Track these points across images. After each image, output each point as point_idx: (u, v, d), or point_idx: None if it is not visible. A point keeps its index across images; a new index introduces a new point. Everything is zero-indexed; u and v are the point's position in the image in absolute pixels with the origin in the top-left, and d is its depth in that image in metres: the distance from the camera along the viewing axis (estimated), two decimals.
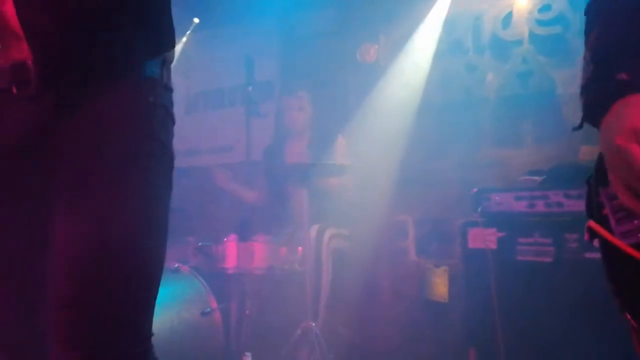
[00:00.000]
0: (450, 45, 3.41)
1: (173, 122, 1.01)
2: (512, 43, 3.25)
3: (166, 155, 0.97)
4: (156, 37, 0.99)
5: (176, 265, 2.44)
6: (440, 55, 3.41)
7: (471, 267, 2.62)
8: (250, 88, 3.02)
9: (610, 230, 0.78)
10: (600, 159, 0.82)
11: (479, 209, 2.62)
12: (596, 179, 0.84)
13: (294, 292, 2.55)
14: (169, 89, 1.01)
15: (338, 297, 2.91)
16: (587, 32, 0.89)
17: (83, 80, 0.90)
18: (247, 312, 2.49)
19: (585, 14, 0.92)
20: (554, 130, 3.15)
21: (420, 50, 3.43)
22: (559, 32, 3.12)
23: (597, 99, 0.79)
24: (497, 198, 2.62)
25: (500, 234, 2.53)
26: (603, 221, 0.80)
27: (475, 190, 2.71)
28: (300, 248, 2.60)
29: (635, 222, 0.73)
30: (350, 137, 3.26)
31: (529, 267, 2.39)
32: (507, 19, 3.26)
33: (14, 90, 0.87)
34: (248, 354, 2.27)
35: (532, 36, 3.19)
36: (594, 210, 0.83)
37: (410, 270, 3.44)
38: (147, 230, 0.90)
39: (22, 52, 0.88)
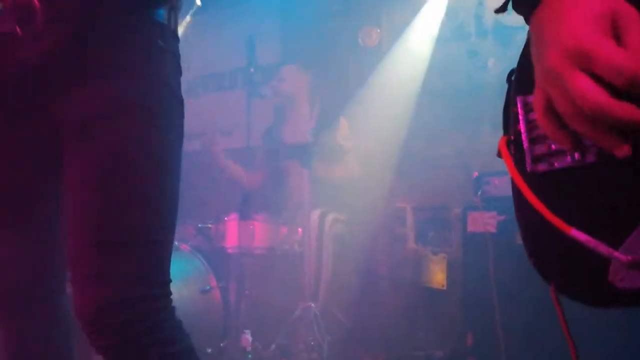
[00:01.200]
0: (452, 30, 3.40)
1: (180, 72, 1.00)
2: (514, 29, 3.24)
3: (175, 100, 0.96)
4: None
5: (176, 244, 2.42)
6: (442, 40, 3.41)
7: (470, 251, 2.62)
8: (252, 69, 3.00)
9: (522, 150, 0.65)
10: (525, 58, 0.68)
11: (479, 193, 2.62)
12: (517, 83, 0.70)
13: (294, 272, 2.55)
14: (176, 37, 1.00)
15: (337, 281, 2.91)
16: None
17: (89, 21, 0.89)
18: (247, 291, 2.49)
19: None
20: None
21: (422, 35, 3.42)
22: None
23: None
24: (497, 182, 2.63)
25: (500, 218, 2.54)
26: (517, 137, 0.67)
27: (476, 174, 2.71)
28: (300, 229, 2.60)
29: (552, 146, 0.60)
30: (351, 120, 3.25)
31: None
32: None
33: (19, 31, 0.86)
34: (247, 331, 2.27)
35: None
36: (509, 122, 0.70)
37: (409, 257, 3.45)
38: (159, 172, 0.90)
39: None
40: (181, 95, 0.99)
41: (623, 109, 0.48)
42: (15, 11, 0.87)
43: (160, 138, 0.92)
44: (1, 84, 0.93)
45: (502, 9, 0.77)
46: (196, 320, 2.26)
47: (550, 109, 0.55)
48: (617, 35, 0.50)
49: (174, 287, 2.20)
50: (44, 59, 0.89)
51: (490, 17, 3.31)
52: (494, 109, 3.25)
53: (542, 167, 0.62)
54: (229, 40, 4.01)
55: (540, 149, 0.62)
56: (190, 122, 1.03)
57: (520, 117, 0.65)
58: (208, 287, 2.36)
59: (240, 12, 4.06)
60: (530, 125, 0.64)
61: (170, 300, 0.95)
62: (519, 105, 0.66)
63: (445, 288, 3.09)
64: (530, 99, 0.61)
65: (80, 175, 0.87)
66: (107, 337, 0.86)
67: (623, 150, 0.50)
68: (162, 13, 0.96)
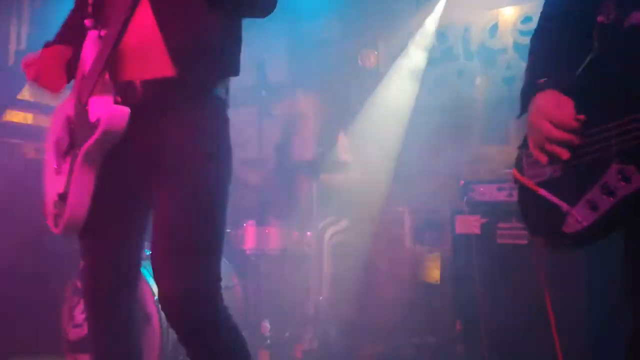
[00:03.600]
0: (442, 52, 3.77)
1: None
2: (498, 51, 3.61)
3: (229, 152, 1.35)
4: (227, 69, 1.38)
5: None
6: (434, 61, 3.78)
7: (459, 250, 2.99)
8: (263, 92, 3.37)
9: (523, 174, 1.23)
10: (525, 137, 1.23)
11: (465, 199, 2.98)
12: (521, 147, 1.26)
13: (304, 270, 2.93)
14: (227, 104, 1.40)
15: (341, 280, 3.28)
16: (528, 54, 1.32)
17: (176, 98, 1.28)
18: (263, 287, 2.87)
19: (530, 41, 1.35)
20: None
21: (416, 57, 3.79)
22: None
23: (526, 95, 1.20)
24: (481, 189, 2.99)
25: (484, 220, 2.90)
26: (521, 170, 1.24)
27: (462, 182, 3.08)
28: (309, 233, 2.98)
29: (540, 168, 1.18)
30: (352, 135, 3.63)
31: (507, 249, 2.75)
32: (494, 29, 3.62)
33: (120, 100, 1.25)
34: (266, 320, 2.65)
35: (516, 45, 3.55)
36: (518, 163, 1.26)
37: (406, 256, 3.81)
38: (218, 203, 1.29)
39: (131, 74, 1.27)
40: (230, 146, 1.38)
41: (562, 135, 1.10)
42: (119, 85, 1.27)
43: (222, 180, 1.31)
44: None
45: (519, 116, 1.27)
46: None
47: (535, 142, 1.16)
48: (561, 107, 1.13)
49: None
50: (138, 124, 1.26)
51: (476, 41, 3.68)
52: (480, 122, 3.71)
53: (534, 180, 1.20)
54: (242, 61, 4.39)
55: (533, 171, 1.20)
56: None
57: (523, 157, 1.25)
58: (231, 284, 2.73)
59: (252, 36, 4.41)
60: (528, 161, 1.23)
61: (221, 292, 1.32)
62: (523, 153, 1.26)
63: (439, 283, 3.46)
64: (528, 150, 1.22)
65: (168, 204, 1.26)
66: (187, 322, 1.24)
67: (565, 154, 1.11)
68: (224, 92, 1.37)
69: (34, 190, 4.54)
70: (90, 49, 1.28)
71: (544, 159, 1.15)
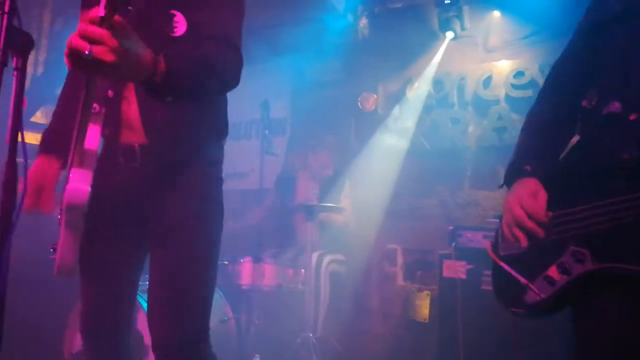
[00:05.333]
0: (438, 100, 3.96)
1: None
2: (490, 102, 3.79)
3: (221, 211, 1.50)
4: (220, 133, 1.54)
5: None
6: (429, 107, 3.96)
7: (444, 293, 3.11)
8: (267, 132, 3.53)
9: (497, 248, 1.41)
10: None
11: (453, 244, 3.12)
12: (501, 219, 1.40)
13: (297, 307, 3.06)
14: (221, 162, 1.54)
15: (333, 314, 3.40)
16: (521, 130, 1.47)
17: (175, 162, 1.43)
18: (256, 322, 2.99)
19: (527, 115, 1.49)
20: None
21: (413, 103, 3.98)
22: (530, 95, 3.65)
23: (512, 174, 1.37)
24: (468, 235, 3.13)
25: (470, 266, 3.03)
26: (496, 243, 1.42)
27: (451, 228, 3.22)
28: (302, 270, 3.12)
29: (512, 242, 1.34)
30: (351, 176, 3.79)
31: (490, 295, 2.86)
32: (488, 81, 3.81)
33: (122, 161, 1.40)
34: (257, 355, 2.76)
35: (507, 97, 3.74)
36: (495, 235, 1.44)
37: (397, 293, 3.94)
38: (212, 261, 1.43)
39: (132, 138, 1.41)
40: (222, 204, 1.51)
41: (531, 224, 1.25)
42: (120, 148, 1.41)
43: (213, 240, 1.44)
44: (108, 195, 1.39)
45: (500, 186, 1.43)
46: (216, 347, 2.75)
47: (507, 224, 1.31)
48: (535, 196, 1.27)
49: None
50: (137, 183, 1.40)
51: (470, 90, 3.86)
52: (472, 168, 3.89)
53: (504, 253, 1.39)
54: (246, 95, 4.58)
55: (504, 245, 1.38)
56: None
57: (500, 233, 1.42)
58: (226, 318, 2.86)
59: (257, 73, 4.64)
60: (502, 237, 1.39)
61: (210, 342, 1.44)
62: (499, 230, 1.43)
63: (427, 321, 3.57)
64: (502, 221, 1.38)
65: (164, 259, 1.38)
66: None
67: (524, 243, 1.27)
68: (218, 153, 1.52)
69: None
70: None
71: (510, 237, 1.31)
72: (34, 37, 3.92)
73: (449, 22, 3.63)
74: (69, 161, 1.27)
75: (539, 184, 1.29)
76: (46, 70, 4.60)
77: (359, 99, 4.16)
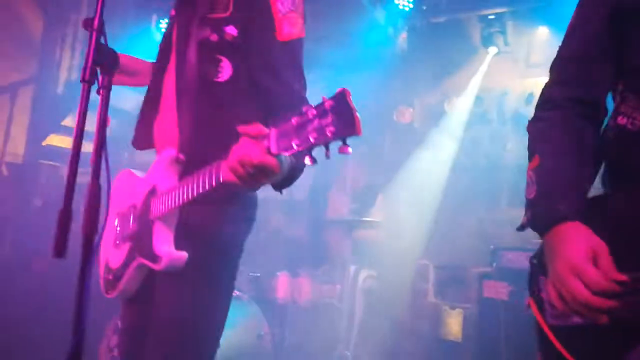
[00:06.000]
0: (477, 115, 3.90)
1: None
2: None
3: (235, 255, 1.34)
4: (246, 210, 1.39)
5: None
6: (468, 123, 3.91)
7: (485, 313, 3.04)
8: None
9: (543, 309, 1.02)
10: (543, 252, 1.01)
11: (494, 264, 3.05)
12: (539, 266, 1.05)
13: (332, 322, 3.01)
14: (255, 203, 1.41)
15: (366, 331, 3.34)
16: (530, 152, 1.11)
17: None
18: (292, 336, 2.95)
19: (527, 130, 1.13)
20: None
21: (451, 118, 3.93)
22: None
23: (543, 219, 1.00)
24: (510, 256, 3.06)
25: (511, 288, 2.96)
26: (539, 301, 1.03)
27: (493, 247, 3.15)
28: (338, 286, 3.07)
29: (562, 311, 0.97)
30: (384, 189, 3.74)
31: (532, 317, 2.77)
32: (530, 98, 3.74)
33: None
34: None
35: None
36: (534, 288, 1.06)
37: (429, 311, 3.86)
38: (207, 325, 1.30)
39: None
40: (238, 245, 1.36)
41: (596, 302, 0.87)
42: None
43: (219, 289, 1.31)
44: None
45: (521, 229, 1.08)
46: None
47: (559, 295, 0.93)
48: (595, 258, 0.90)
49: (237, 331, 2.69)
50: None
51: (511, 106, 3.80)
52: (509, 185, 3.81)
53: (555, 322, 0.99)
54: None
55: (556, 311, 0.97)
56: None
57: (544, 290, 1.02)
58: (262, 333, 2.81)
59: None
60: (549, 298, 0.99)
61: None
62: (542, 282, 1.04)
63: (460, 341, 3.49)
64: (547, 282, 0.99)
65: (168, 304, 1.28)
66: None
67: (603, 319, 0.88)
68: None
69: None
70: (164, 169, 1.31)
71: (569, 312, 0.93)
72: (70, 40, 3.89)
73: (492, 37, 3.58)
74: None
75: (590, 233, 0.93)
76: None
77: (395, 112, 4.11)
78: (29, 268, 4.12)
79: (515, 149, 3.77)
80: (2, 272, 3.82)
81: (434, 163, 3.91)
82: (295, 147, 0.87)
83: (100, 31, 1.12)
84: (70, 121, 4.91)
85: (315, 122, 0.86)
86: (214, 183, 1.08)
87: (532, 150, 1.10)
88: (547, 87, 1.15)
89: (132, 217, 1.41)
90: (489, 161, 3.84)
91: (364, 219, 3.22)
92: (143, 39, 4.55)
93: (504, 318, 2.88)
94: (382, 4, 3.71)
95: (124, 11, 4.51)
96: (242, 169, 0.98)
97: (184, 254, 1.24)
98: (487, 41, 3.66)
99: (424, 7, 3.65)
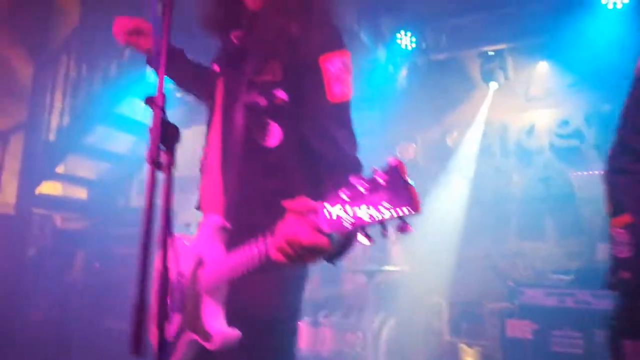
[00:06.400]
0: (480, 149, 3.92)
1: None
2: (534, 151, 3.77)
3: (296, 313, 1.27)
4: None
5: None
6: (471, 157, 3.92)
7: (509, 352, 2.99)
8: None
9: None
10: (628, 309, 0.96)
11: (516, 302, 3.02)
12: (620, 328, 0.98)
13: None
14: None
15: None
16: (614, 205, 1.06)
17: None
18: None
19: (606, 180, 1.08)
20: (573, 227, 3.61)
21: (454, 152, 3.94)
22: (576, 145, 3.64)
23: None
24: (530, 292, 3.03)
25: (535, 326, 2.92)
26: None
27: (511, 283, 3.12)
28: (360, 333, 2.98)
29: None
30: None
31: (562, 357, 2.76)
32: (531, 130, 3.79)
33: None
34: None
35: (552, 146, 3.71)
36: (615, 353, 0.98)
37: (445, 350, 3.78)
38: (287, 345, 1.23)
39: None
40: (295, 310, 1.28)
41: None
42: None
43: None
44: None
45: (613, 287, 1.01)
46: None
47: None
48: None
49: None
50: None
51: (513, 139, 3.84)
52: (517, 218, 3.79)
53: None
54: None
55: None
56: None
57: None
58: None
59: None
60: None
61: None
62: (624, 345, 0.95)
63: None
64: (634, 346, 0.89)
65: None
66: None
67: None
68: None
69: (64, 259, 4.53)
70: (211, 238, 1.25)
71: None
72: (60, 84, 3.77)
73: (493, 72, 3.63)
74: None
75: None
76: (72, 121, 4.50)
77: (397, 148, 4.11)
78: (28, 318, 3.97)
79: (520, 181, 3.79)
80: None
81: (438, 198, 3.90)
82: (349, 226, 0.82)
83: (164, 109, 1.06)
84: (64, 168, 4.78)
85: (369, 199, 0.81)
86: (261, 263, 1.03)
87: (618, 204, 1.06)
88: (625, 135, 1.12)
89: (180, 287, 1.34)
90: (494, 194, 3.84)
91: (385, 268, 3.15)
92: (141, 83, 4.49)
93: (531, 358, 2.83)
94: (384, 43, 3.74)
95: (121, 52, 4.45)
96: (291, 250, 0.93)
97: (236, 333, 1.17)
98: (487, 76, 3.71)
99: (425, 46, 3.69)
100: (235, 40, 1.39)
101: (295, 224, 0.91)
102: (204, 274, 1.23)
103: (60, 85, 4.58)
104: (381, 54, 3.76)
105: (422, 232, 3.82)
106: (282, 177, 1.26)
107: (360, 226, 0.81)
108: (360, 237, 0.83)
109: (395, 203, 0.78)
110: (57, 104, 4.60)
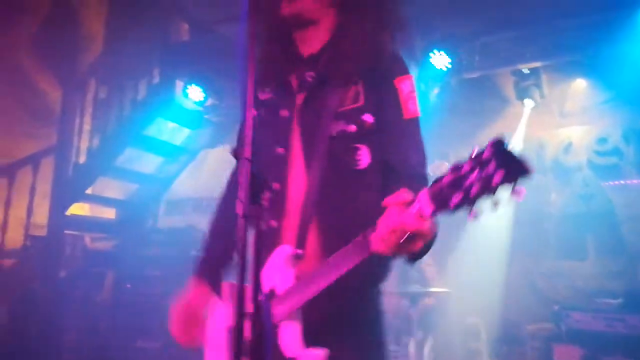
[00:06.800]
0: None
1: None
2: (571, 168, 3.70)
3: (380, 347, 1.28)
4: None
5: None
6: None
7: None
8: None
9: None
10: None
11: (563, 327, 2.94)
12: None
13: None
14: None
15: None
16: None
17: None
18: None
19: None
20: (614, 246, 3.53)
21: None
22: (615, 163, 3.57)
23: None
24: (577, 316, 2.96)
25: (585, 352, 2.84)
26: None
27: (557, 307, 3.05)
28: (400, 355, 2.92)
29: None
30: (435, 254, 3.65)
31: None
32: (568, 147, 3.73)
33: None
34: None
35: (591, 163, 3.65)
36: None
37: None
38: None
39: None
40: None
41: None
42: None
43: None
44: None
45: None
46: None
47: None
48: None
49: None
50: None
51: (550, 156, 3.78)
52: (556, 237, 3.71)
53: None
54: None
55: None
56: None
57: None
58: None
59: None
60: None
61: None
62: None
63: None
64: None
65: None
66: None
67: None
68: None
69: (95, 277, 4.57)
70: (280, 269, 1.25)
71: None
72: (89, 108, 3.78)
73: (528, 90, 3.58)
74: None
75: None
76: (102, 144, 4.53)
77: (431, 166, 4.05)
78: (61, 342, 3.99)
79: (558, 199, 3.72)
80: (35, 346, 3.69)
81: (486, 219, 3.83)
82: (454, 202, 0.87)
83: (253, 161, 1.04)
84: (92, 189, 4.80)
85: (474, 175, 0.86)
86: (361, 257, 1.06)
87: None
88: None
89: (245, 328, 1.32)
90: (533, 213, 3.78)
91: (431, 289, 3.09)
92: (169, 105, 4.50)
93: None
94: (417, 64, 3.71)
95: (149, 75, 4.49)
96: (395, 238, 0.98)
97: (321, 352, 1.16)
98: (521, 94, 3.66)
99: (458, 65, 3.65)
100: (295, 82, 1.39)
101: (397, 214, 0.97)
102: (278, 304, 1.22)
103: (89, 108, 4.63)
104: (413, 72, 3.72)
105: (459, 253, 3.77)
106: (369, 196, 1.31)
107: (468, 201, 0.86)
108: (469, 214, 0.87)
109: (505, 170, 0.83)
110: (86, 127, 4.65)
